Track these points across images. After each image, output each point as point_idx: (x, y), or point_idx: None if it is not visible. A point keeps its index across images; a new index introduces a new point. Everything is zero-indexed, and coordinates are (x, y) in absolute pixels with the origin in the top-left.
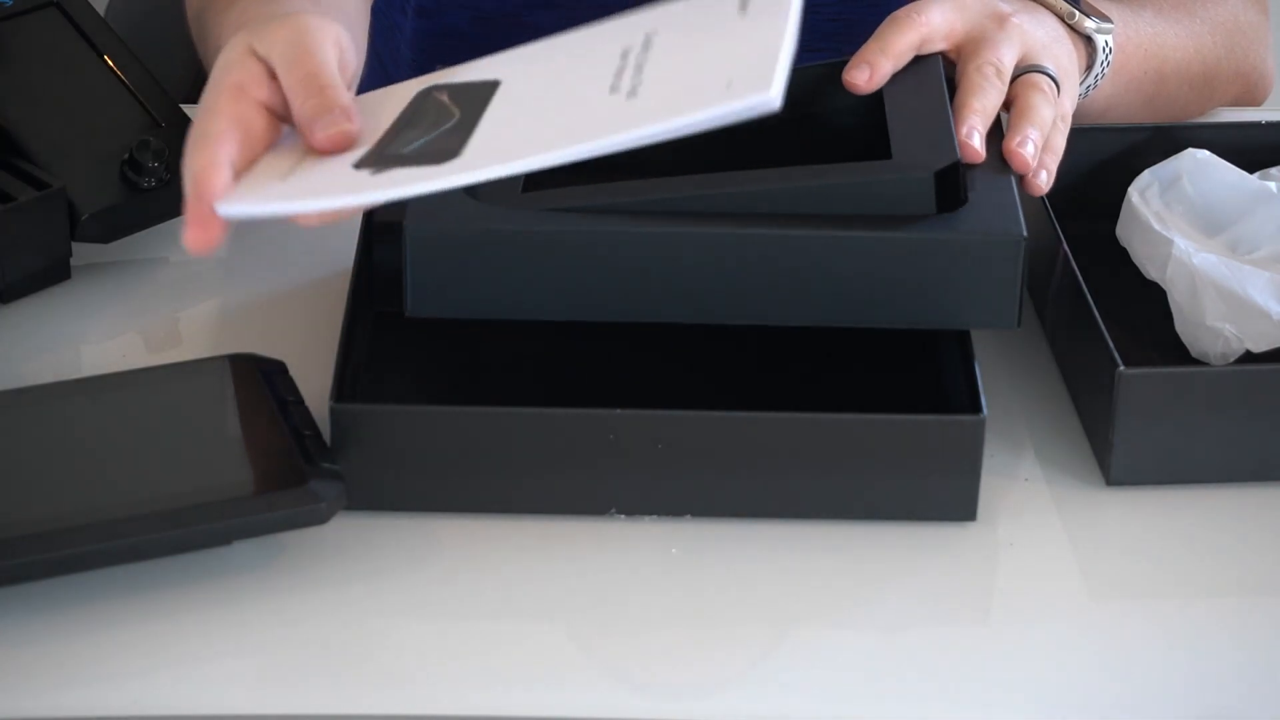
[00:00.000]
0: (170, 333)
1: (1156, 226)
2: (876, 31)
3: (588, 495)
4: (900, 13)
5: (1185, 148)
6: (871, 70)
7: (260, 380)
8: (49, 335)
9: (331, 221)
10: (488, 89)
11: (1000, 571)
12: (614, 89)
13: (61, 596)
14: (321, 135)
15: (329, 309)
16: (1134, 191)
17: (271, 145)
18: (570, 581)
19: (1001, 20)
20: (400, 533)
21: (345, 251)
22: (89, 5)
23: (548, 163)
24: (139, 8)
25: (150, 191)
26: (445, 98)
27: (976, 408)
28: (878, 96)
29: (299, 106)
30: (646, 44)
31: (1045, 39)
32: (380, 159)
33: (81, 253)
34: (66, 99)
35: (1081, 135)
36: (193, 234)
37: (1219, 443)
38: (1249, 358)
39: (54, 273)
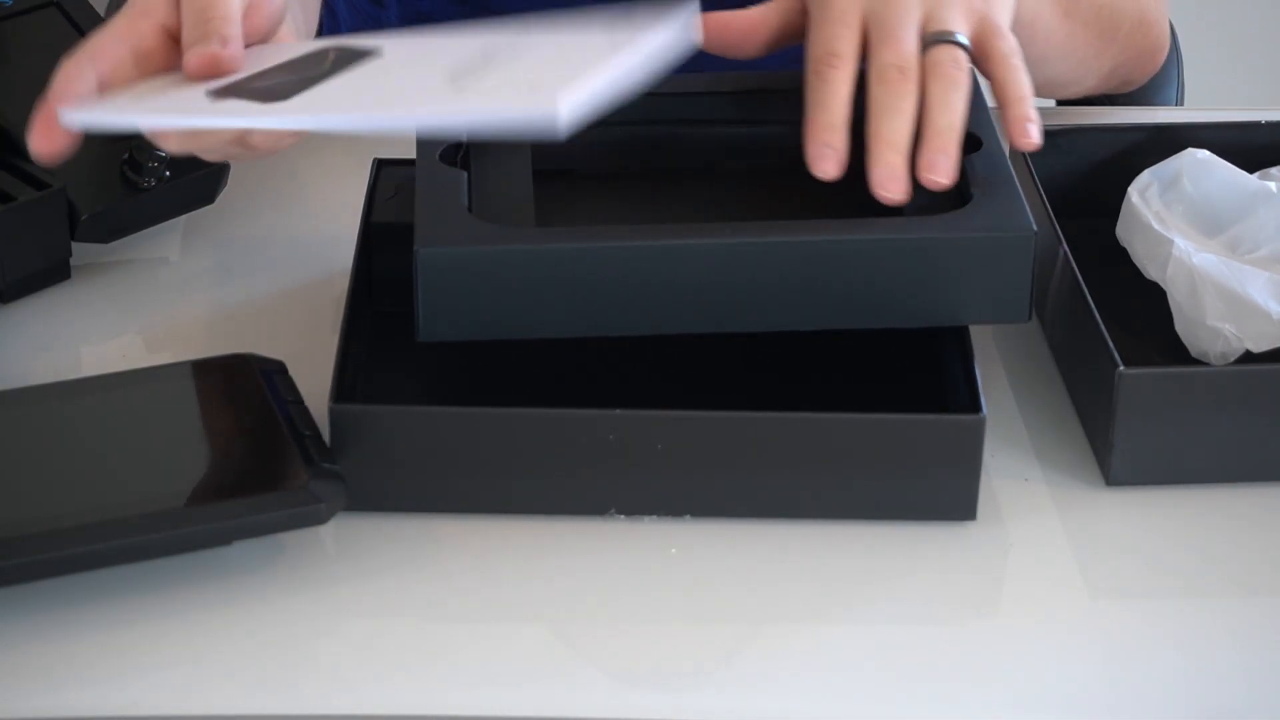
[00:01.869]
0: (170, 333)
1: (1156, 226)
2: (807, 99)
3: (588, 495)
4: (817, 65)
5: (1185, 148)
6: (835, 153)
7: (260, 380)
8: (49, 335)
9: (204, 153)
10: (363, 55)
11: (1000, 571)
12: (454, 79)
13: (61, 596)
14: (191, 57)
15: (329, 309)
16: (1134, 191)
17: (169, 69)
18: (570, 582)
19: None
20: (400, 533)
21: (345, 251)
22: (89, 5)
23: (350, 127)
24: None
25: (150, 191)
26: (331, 55)
27: (976, 408)
28: None
29: (185, 34)
30: (513, 52)
31: None
32: (230, 90)
33: (81, 253)
34: None
35: (1081, 135)
36: (35, 138)
37: (1219, 443)
38: (1249, 358)
39: (54, 273)
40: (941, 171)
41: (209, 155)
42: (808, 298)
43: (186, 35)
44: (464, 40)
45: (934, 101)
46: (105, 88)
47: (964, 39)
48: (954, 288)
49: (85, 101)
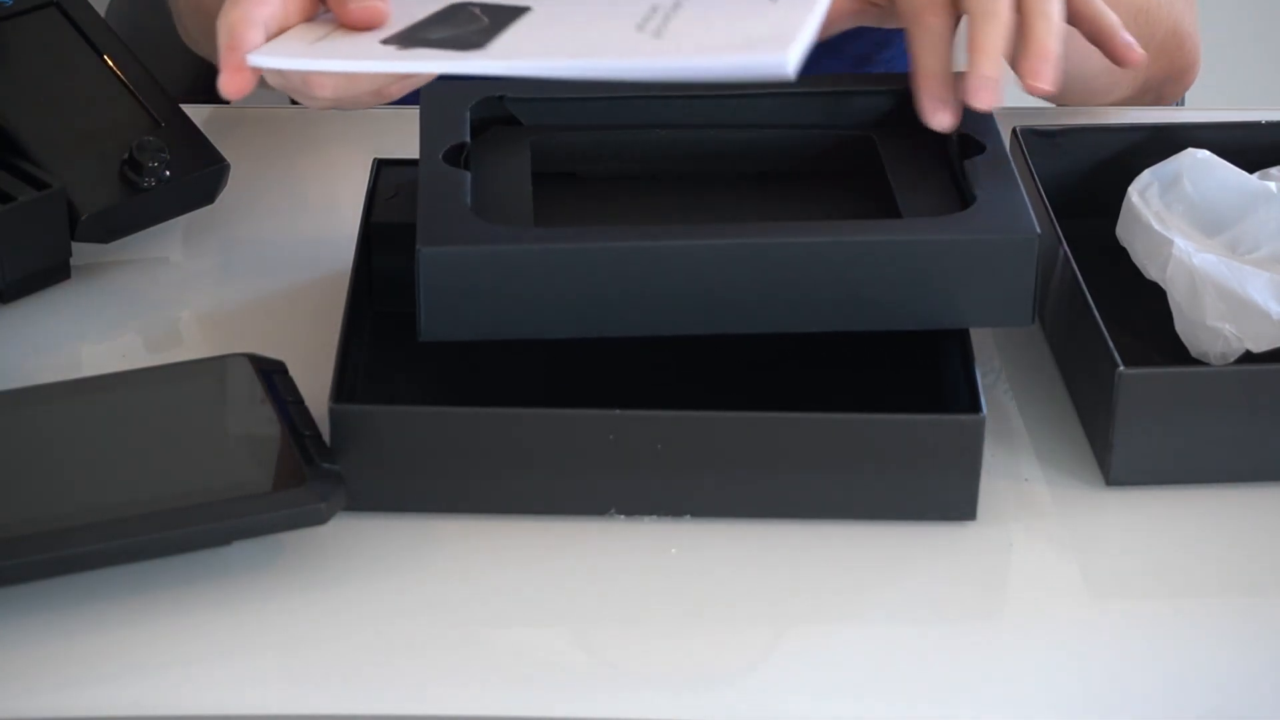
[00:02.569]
0: (170, 333)
1: (1156, 226)
2: (911, 48)
3: (588, 495)
4: (918, 15)
5: (1185, 148)
6: (947, 104)
7: (260, 380)
8: (49, 335)
9: (346, 99)
10: (518, 11)
11: (1000, 571)
12: (640, 28)
13: (61, 596)
14: (354, 7)
15: (329, 309)
16: (1134, 191)
17: (305, 19)
18: (570, 582)
19: None
20: (400, 533)
21: (345, 251)
22: (89, 5)
23: (566, 71)
24: (139, 8)
25: (150, 191)
26: (477, 10)
27: (976, 407)
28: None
29: None
30: (676, 4)
31: None
32: (407, 39)
33: (81, 253)
34: (66, 99)
35: (1081, 135)
36: (226, 78)
37: (1219, 443)
38: (1249, 358)
39: (54, 273)
40: (1045, 78)
41: (350, 104)
42: (809, 299)
43: None
44: None
45: (1032, 11)
46: (268, 34)
47: None
48: (956, 290)
49: (267, 46)
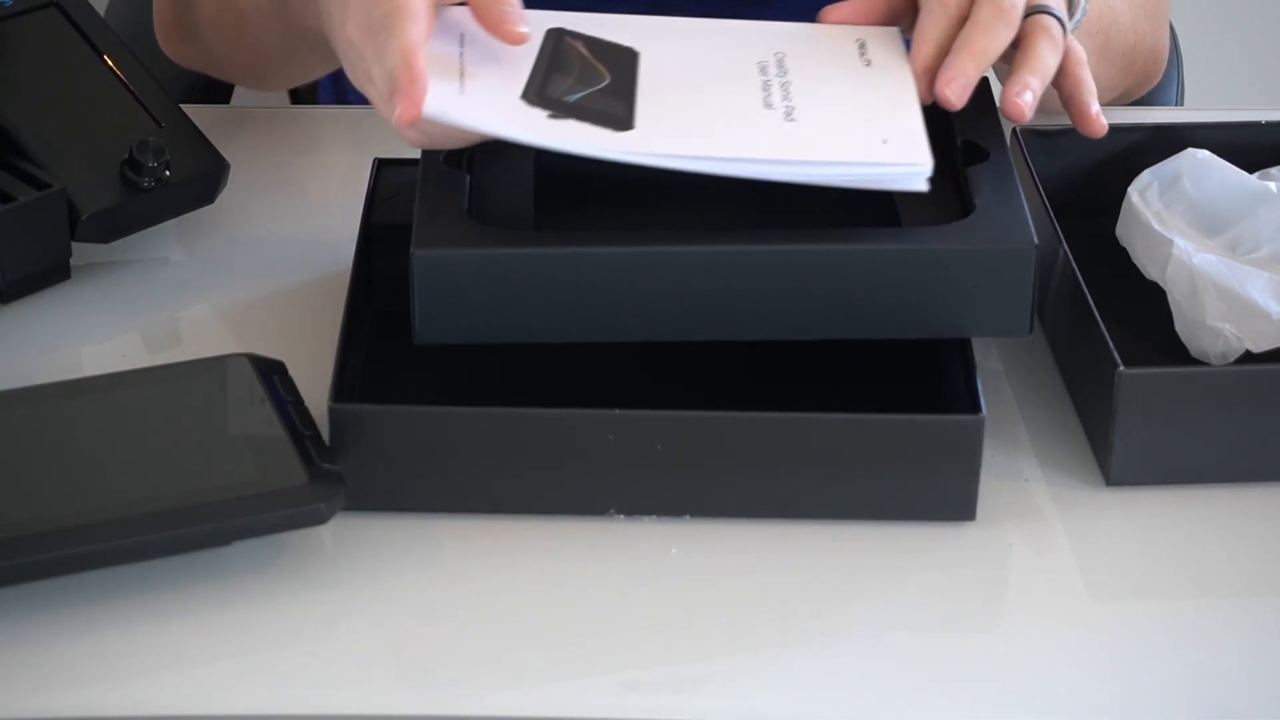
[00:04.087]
0: (170, 333)
1: (1156, 226)
2: (924, 33)
3: (587, 495)
4: (931, 4)
5: (1185, 148)
6: (961, 83)
7: (260, 380)
8: (49, 335)
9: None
10: (629, 56)
11: (1000, 572)
12: (767, 104)
13: (61, 596)
14: (509, 30)
15: (329, 309)
16: (1134, 191)
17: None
18: (570, 582)
19: None
20: (400, 533)
21: (345, 251)
22: (89, 5)
23: (719, 168)
24: (139, 8)
25: (150, 191)
26: (584, 49)
27: (975, 408)
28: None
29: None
30: (780, 64)
31: None
32: (548, 101)
33: (81, 253)
34: (66, 99)
35: (1081, 135)
36: (409, 109)
37: (1219, 443)
38: (1249, 358)
39: (54, 273)
40: (1017, 111)
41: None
42: (806, 307)
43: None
44: (713, 45)
45: (1033, 50)
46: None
47: (1062, 14)
48: (954, 299)
49: (437, 96)
